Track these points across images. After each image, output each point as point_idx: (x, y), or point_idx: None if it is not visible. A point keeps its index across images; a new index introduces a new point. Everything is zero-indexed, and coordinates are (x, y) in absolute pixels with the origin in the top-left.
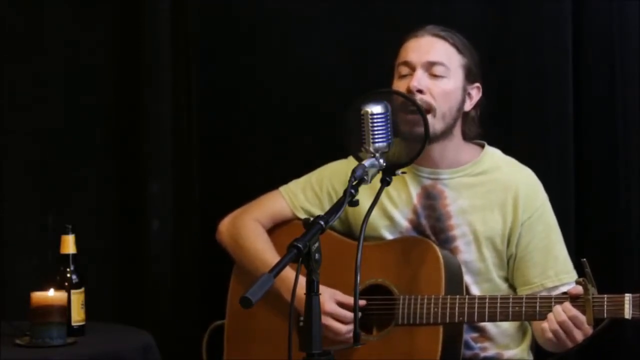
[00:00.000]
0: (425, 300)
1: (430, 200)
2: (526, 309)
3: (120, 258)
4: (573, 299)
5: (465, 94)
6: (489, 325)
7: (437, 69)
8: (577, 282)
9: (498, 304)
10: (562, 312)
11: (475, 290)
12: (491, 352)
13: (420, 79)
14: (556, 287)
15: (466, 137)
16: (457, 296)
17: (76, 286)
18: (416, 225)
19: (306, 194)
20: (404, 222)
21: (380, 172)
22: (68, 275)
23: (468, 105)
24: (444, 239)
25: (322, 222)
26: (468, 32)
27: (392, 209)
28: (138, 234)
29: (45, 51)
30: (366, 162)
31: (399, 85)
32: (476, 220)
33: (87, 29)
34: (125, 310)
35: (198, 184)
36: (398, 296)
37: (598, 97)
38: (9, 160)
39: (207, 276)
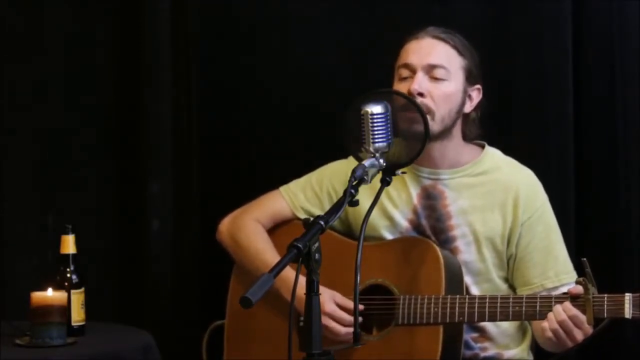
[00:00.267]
0: (426, 300)
1: (431, 200)
2: (526, 309)
3: (120, 258)
4: (573, 298)
5: (466, 96)
6: (489, 325)
7: (438, 72)
8: (577, 282)
9: (498, 304)
10: (562, 311)
11: (475, 291)
12: (491, 352)
13: (421, 82)
14: (556, 287)
15: (466, 138)
16: (457, 296)
17: (76, 286)
18: (416, 226)
19: (306, 194)
20: (404, 222)
21: (380, 172)
22: (68, 275)
23: (468, 107)
24: (444, 239)
25: (322, 222)
26: (468, 33)
27: (392, 209)
28: (138, 234)
29: (45, 51)
30: (366, 162)
31: (400, 88)
32: (476, 221)
33: (87, 29)
34: (125, 310)
35: (198, 184)
36: (398, 296)
37: (598, 97)
38: (9, 160)
39: (207, 276)
